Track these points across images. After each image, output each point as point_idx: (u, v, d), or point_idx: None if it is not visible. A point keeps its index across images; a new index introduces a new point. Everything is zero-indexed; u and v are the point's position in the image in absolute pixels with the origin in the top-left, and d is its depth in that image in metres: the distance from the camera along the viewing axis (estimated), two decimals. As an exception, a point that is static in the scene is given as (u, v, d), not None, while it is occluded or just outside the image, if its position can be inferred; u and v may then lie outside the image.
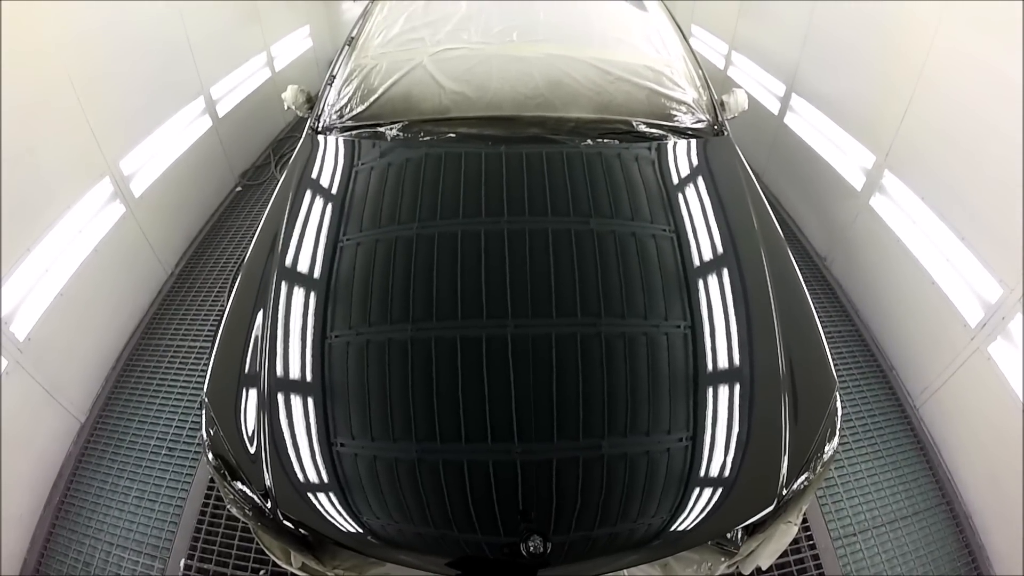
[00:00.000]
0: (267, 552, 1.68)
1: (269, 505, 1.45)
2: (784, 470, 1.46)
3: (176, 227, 3.22)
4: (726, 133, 2.32)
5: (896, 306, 2.65)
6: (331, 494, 1.44)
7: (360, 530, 1.40)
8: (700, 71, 2.48)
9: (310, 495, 1.44)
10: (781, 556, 1.86)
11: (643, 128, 2.24)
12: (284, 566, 1.66)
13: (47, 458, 2.33)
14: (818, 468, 1.53)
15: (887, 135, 2.61)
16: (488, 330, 1.63)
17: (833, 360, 1.71)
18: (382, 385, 1.57)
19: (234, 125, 3.55)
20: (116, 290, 2.75)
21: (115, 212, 2.69)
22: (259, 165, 4.02)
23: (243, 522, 2.06)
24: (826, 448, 1.55)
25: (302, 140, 2.35)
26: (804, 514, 1.84)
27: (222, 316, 1.78)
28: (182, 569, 2.04)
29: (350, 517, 1.41)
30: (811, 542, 2.11)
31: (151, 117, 2.94)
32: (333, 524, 1.40)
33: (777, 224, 2.02)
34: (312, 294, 1.78)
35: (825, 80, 3.08)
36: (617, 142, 2.19)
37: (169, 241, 3.15)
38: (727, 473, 1.46)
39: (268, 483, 1.45)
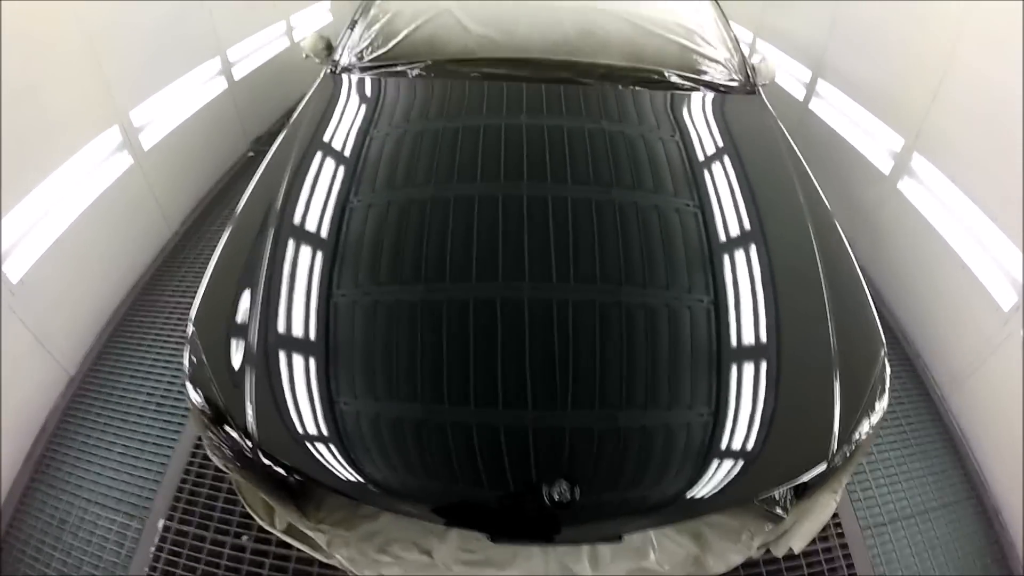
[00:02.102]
0: (251, 512, 1.43)
1: (250, 444, 1.20)
2: (836, 427, 1.25)
3: (184, 186, 2.98)
4: (760, 93, 2.09)
5: (924, 291, 2.41)
6: (320, 432, 1.20)
7: (350, 474, 1.16)
8: (731, 33, 2.26)
9: (295, 433, 1.20)
10: (809, 544, 1.61)
11: (675, 79, 2.03)
12: (268, 528, 1.41)
13: (31, 409, 2.08)
14: (869, 428, 1.31)
15: (917, 117, 2.37)
16: (504, 292, 1.40)
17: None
18: (388, 339, 1.33)
19: (250, 90, 3.33)
20: (117, 242, 2.51)
21: (122, 163, 2.45)
22: (273, 132, 3.75)
23: (227, 483, 1.83)
24: (876, 406, 1.34)
25: (318, 82, 2.12)
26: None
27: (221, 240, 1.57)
28: (160, 530, 1.78)
29: (341, 459, 1.17)
30: (839, 531, 1.85)
31: (165, 70, 2.71)
32: (320, 465, 1.17)
33: (816, 182, 1.79)
34: (317, 237, 1.54)
35: (853, 64, 2.84)
36: (648, 91, 1.99)
37: (176, 199, 2.90)
38: (773, 429, 1.24)
39: (250, 419, 1.20)
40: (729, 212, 1.62)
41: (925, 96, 2.31)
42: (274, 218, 1.56)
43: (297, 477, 1.21)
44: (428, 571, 1.28)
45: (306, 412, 1.22)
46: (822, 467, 1.22)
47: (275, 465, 1.19)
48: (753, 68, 2.23)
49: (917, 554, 1.84)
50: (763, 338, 1.36)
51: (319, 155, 1.77)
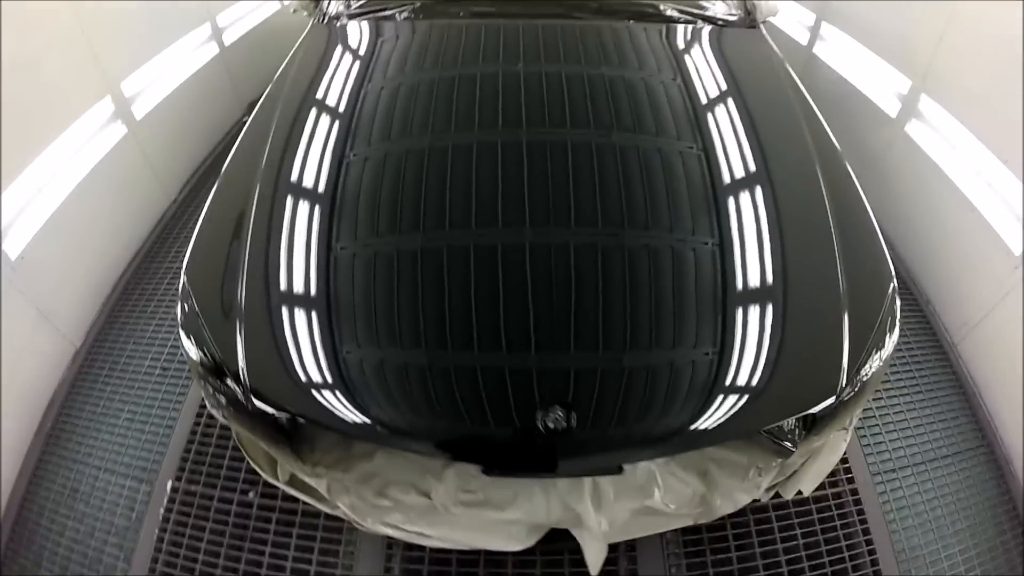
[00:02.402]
0: (254, 465, 1.42)
1: (241, 389, 1.19)
2: (845, 360, 1.21)
3: (180, 154, 2.92)
4: (760, 28, 2.04)
5: (933, 237, 2.34)
6: (309, 369, 1.19)
7: (340, 408, 1.14)
8: None
9: (284, 372, 1.19)
10: (818, 489, 1.58)
11: (671, 12, 1.99)
12: (272, 480, 1.40)
13: (40, 384, 2.08)
14: (879, 362, 1.27)
15: (924, 57, 2.27)
16: (504, 237, 1.36)
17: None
18: (382, 282, 1.30)
19: (242, 55, 3.24)
20: (116, 213, 2.48)
21: (116, 133, 2.40)
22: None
23: (231, 442, 1.82)
24: (886, 341, 1.29)
25: (305, 32, 2.06)
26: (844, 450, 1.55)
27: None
28: (168, 491, 1.78)
29: (331, 395, 1.15)
30: (849, 475, 1.82)
31: (155, 39, 2.64)
32: (311, 401, 1.16)
33: (821, 117, 1.74)
34: (309, 186, 1.50)
35: (858, 4, 2.72)
36: (644, 25, 1.94)
37: (172, 168, 2.85)
38: (780, 362, 1.20)
39: (241, 362, 1.19)
40: (732, 151, 1.56)
41: (932, 35, 2.21)
42: (264, 168, 1.53)
43: (288, 417, 1.20)
44: (428, 515, 1.27)
45: (294, 352, 1.20)
46: (830, 400, 1.19)
47: (267, 407, 1.18)
48: (753, 4, 2.15)
49: (927, 501, 1.81)
50: (769, 275, 1.32)
51: (310, 104, 1.72)
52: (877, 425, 1.97)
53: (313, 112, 1.69)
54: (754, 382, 1.17)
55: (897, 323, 1.34)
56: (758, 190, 1.47)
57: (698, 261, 1.32)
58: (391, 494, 1.26)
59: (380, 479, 1.28)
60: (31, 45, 1.94)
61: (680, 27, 1.97)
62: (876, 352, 1.26)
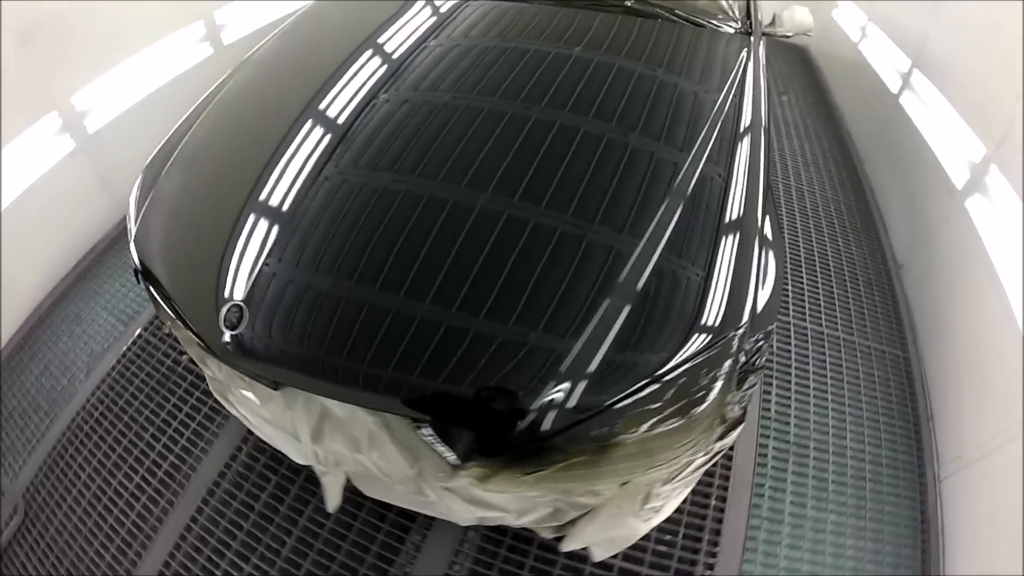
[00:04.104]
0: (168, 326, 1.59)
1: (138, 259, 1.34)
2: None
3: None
4: (750, 35, 1.87)
5: (961, 345, 1.93)
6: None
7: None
8: None
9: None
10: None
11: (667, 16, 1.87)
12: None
13: (90, 234, 2.46)
14: (676, 420, 1.07)
15: (1002, 121, 1.87)
16: (459, 196, 1.30)
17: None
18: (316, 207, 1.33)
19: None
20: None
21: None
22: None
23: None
24: (703, 394, 1.08)
25: None
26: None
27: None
28: (135, 335, 2.10)
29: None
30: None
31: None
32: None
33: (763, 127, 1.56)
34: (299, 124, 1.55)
35: (951, 54, 2.30)
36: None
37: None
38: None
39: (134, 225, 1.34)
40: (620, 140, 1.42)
41: (1013, 95, 1.81)
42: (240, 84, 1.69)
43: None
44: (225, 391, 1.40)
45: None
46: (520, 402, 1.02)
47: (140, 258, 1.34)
48: (773, 19, 2.00)
49: None
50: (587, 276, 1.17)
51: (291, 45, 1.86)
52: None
53: (307, 45, 1.82)
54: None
55: (736, 385, 1.13)
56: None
57: (561, 248, 1.21)
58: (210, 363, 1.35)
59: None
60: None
61: (673, 27, 1.84)
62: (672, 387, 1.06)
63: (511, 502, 1.21)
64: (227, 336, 1.14)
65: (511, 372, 1.05)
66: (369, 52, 1.73)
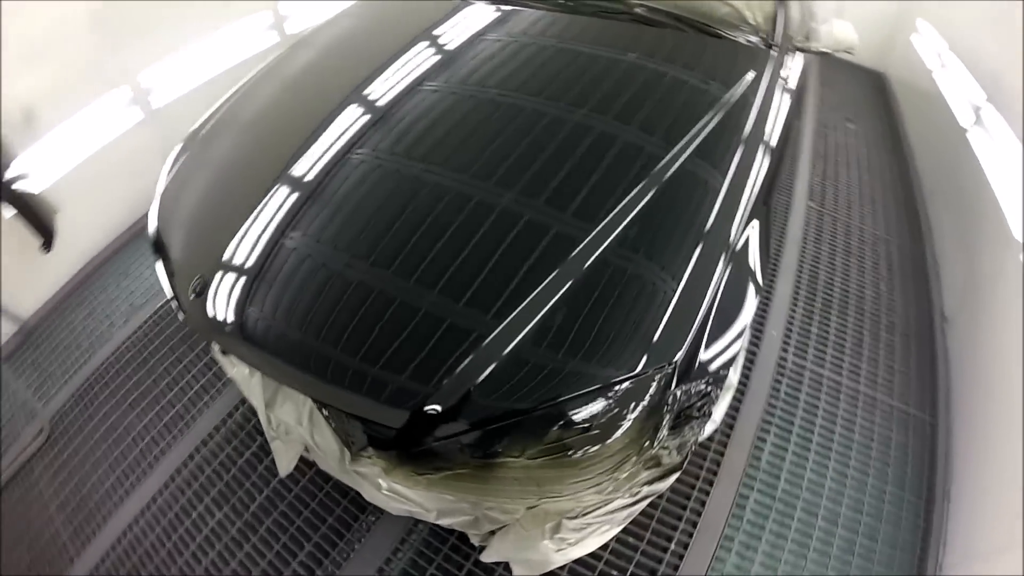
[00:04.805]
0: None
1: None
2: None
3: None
4: (772, 50, 1.67)
5: (1004, 412, 1.64)
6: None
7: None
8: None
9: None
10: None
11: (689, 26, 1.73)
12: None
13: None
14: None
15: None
16: (473, 189, 1.30)
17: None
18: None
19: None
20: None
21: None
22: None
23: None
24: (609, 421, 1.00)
25: None
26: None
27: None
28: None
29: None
30: None
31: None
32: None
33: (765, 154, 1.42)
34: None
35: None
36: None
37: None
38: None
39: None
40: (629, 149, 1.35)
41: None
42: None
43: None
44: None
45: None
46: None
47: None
48: (807, 34, 1.79)
49: None
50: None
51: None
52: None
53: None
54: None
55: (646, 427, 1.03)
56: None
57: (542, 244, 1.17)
58: None
59: None
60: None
61: (683, 37, 1.72)
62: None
63: (427, 500, 1.20)
64: (190, 300, 1.24)
65: (404, 373, 1.04)
66: (422, 45, 1.75)
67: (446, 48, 1.72)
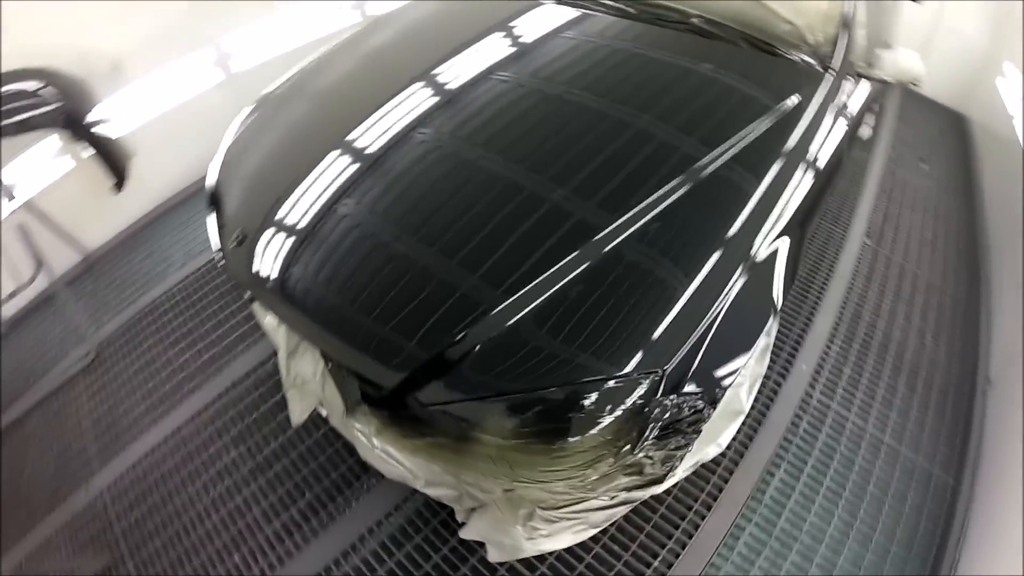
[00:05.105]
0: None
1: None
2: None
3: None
4: (829, 72, 1.59)
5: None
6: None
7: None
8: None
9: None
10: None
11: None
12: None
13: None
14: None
15: None
16: (513, 174, 1.33)
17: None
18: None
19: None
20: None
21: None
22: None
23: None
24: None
25: None
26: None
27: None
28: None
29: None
30: None
31: None
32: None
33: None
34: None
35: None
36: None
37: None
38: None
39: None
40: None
41: None
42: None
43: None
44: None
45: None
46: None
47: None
48: (869, 60, 1.69)
49: None
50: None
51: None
52: None
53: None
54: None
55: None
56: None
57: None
58: None
59: None
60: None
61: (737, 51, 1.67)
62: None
63: (416, 466, 1.25)
64: (231, 248, 1.34)
65: (404, 337, 1.08)
66: (492, 38, 1.77)
67: (514, 43, 1.75)
